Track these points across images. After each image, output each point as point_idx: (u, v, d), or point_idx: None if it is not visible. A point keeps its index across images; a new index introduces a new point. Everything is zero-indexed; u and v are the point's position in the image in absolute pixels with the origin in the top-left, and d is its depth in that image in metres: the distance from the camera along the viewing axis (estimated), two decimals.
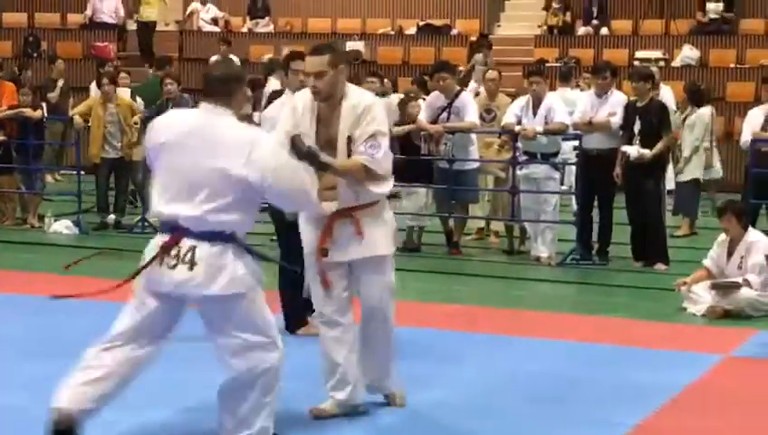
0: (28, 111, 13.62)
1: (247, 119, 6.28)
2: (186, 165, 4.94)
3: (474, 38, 21.27)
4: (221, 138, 4.95)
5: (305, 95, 5.95)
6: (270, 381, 5.09)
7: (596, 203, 11.49)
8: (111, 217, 13.49)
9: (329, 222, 5.85)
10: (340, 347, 6.04)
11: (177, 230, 4.95)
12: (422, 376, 7.03)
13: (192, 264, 4.89)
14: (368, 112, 5.79)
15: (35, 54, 20.94)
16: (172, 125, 5.17)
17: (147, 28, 21.06)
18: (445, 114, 11.81)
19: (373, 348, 6.17)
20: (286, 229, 7.16)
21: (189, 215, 4.91)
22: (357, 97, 5.88)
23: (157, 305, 5.04)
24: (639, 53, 19.63)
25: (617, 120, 11.25)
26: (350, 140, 5.78)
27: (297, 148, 5.42)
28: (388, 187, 6.01)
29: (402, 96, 13.07)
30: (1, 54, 19.94)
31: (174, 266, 4.92)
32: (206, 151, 4.92)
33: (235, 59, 17.55)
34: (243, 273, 4.97)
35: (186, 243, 4.91)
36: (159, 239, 5.02)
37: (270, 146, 5.05)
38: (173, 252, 4.93)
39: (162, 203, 5.02)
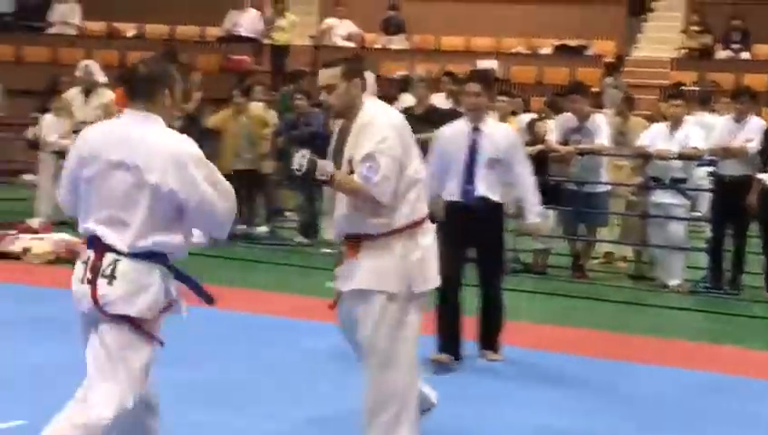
0: None
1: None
2: (111, 179, 4.51)
3: (609, 59, 21.14)
4: (150, 149, 4.50)
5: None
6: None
7: (729, 231, 11.29)
8: (263, 228, 13.70)
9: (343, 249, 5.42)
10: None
11: (101, 247, 4.51)
12: (536, 399, 7.00)
13: (112, 278, 4.46)
14: (366, 129, 5.21)
15: (174, 65, 21.32)
16: (96, 136, 4.67)
17: (280, 50, 21.22)
18: (576, 136, 11.74)
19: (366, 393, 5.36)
20: None
21: (115, 232, 4.49)
22: (365, 111, 5.29)
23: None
24: None
25: (754, 145, 11.02)
26: (350, 161, 5.23)
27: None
28: (392, 221, 5.23)
29: (533, 116, 13.02)
30: None
31: (90, 281, 4.48)
32: (134, 164, 4.47)
33: (368, 74, 17.66)
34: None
35: (109, 257, 4.48)
36: (84, 256, 4.58)
37: (203, 162, 4.54)
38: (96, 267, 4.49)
39: (88, 219, 4.59)
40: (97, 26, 22.89)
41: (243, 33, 22.04)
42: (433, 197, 7.57)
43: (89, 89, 14.34)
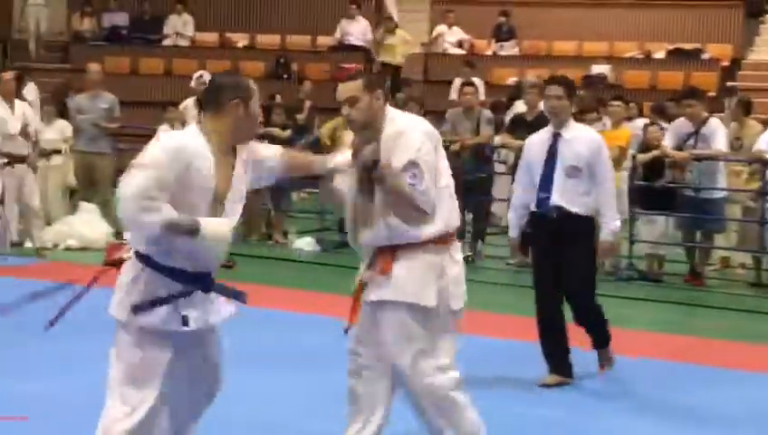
0: (276, 131, 14.03)
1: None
2: None
3: (726, 63, 20.83)
4: None
5: None
6: None
7: None
8: None
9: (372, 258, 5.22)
10: (356, 378, 5.34)
11: None
12: (657, 408, 6.94)
13: None
14: (402, 138, 5.03)
15: (285, 76, 21.58)
16: None
17: (388, 66, 21.07)
18: (692, 141, 11.59)
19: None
20: None
21: None
22: (396, 124, 5.11)
23: None
24: None
25: None
26: None
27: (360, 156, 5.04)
28: (430, 229, 5.07)
29: (646, 121, 12.91)
30: (253, 75, 20.60)
31: None
32: None
33: (478, 81, 17.65)
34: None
35: None
36: None
37: (135, 169, 4.42)
38: None
39: None
40: (209, 37, 23.21)
41: (353, 42, 22.17)
42: (517, 208, 7.55)
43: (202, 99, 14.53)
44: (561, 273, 7.36)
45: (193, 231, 4.40)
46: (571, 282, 7.41)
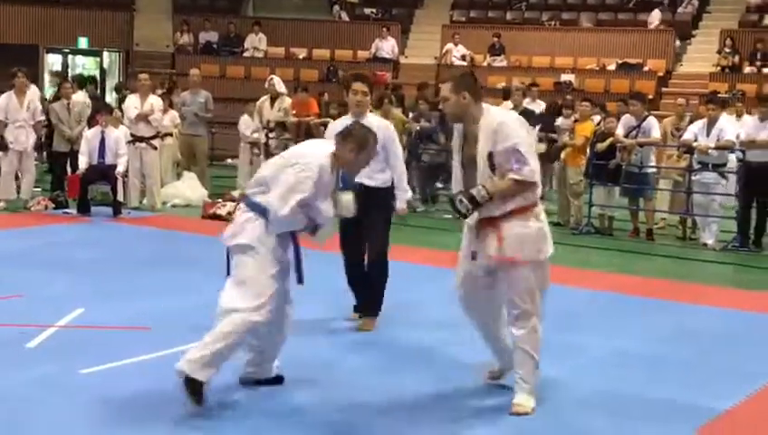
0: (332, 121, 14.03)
1: None
2: None
3: (661, 74, 20.67)
4: None
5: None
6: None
7: (754, 203, 10.99)
8: None
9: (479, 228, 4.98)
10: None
11: None
12: (606, 329, 6.95)
13: None
14: (501, 129, 4.80)
15: (334, 80, 21.57)
16: None
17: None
18: (635, 132, 11.54)
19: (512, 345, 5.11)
20: None
21: None
22: (492, 116, 4.89)
23: None
24: None
25: None
26: (490, 156, 4.82)
27: (460, 208, 4.85)
28: (531, 197, 4.90)
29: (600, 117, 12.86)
30: (309, 79, 20.67)
31: None
32: None
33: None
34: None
35: None
36: None
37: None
38: None
39: None
40: (278, 51, 23.16)
41: (384, 56, 22.12)
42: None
43: (273, 97, 14.55)
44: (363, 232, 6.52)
45: None
46: (370, 238, 6.58)
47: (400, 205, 6.60)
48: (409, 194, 6.82)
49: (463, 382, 5.44)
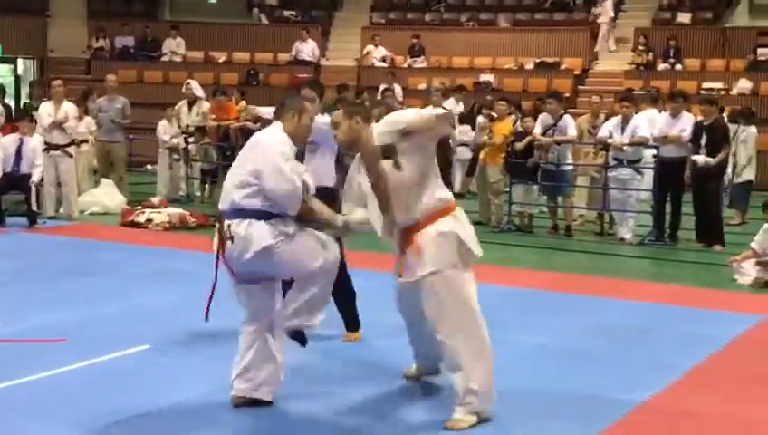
0: (250, 124, 13.91)
1: None
2: None
3: (577, 72, 20.99)
4: None
5: None
6: None
7: (668, 198, 11.23)
8: None
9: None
10: None
11: None
12: (529, 325, 7.02)
13: None
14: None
15: (254, 83, 21.43)
16: None
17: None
18: (551, 130, 11.71)
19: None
20: None
21: None
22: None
23: None
24: (705, 84, 19.12)
25: (687, 135, 10.97)
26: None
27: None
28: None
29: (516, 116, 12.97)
30: (230, 82, 20.49)
31: None
32: None
33: (397, 87, 17.62)
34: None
35: None
36: None
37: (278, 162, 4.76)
38: None
39: None
40: (197, 55, 22.90)
41: (305, 58, 22.05)
42: None
43: (191, 101, 14.40)
44: None
45: None
46: None
47: None
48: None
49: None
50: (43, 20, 23.41)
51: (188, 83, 14.67)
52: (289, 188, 4.65)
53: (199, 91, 14.54)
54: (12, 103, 17.28)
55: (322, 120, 5.83)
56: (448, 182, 12.65)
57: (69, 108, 12.47)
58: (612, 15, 21.51)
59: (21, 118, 12.43)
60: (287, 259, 4.73)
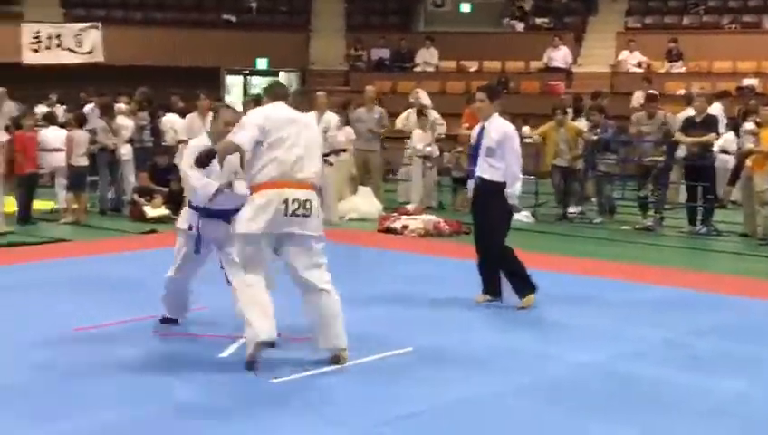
0: None
1: None
2: None
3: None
4: None
5: None
6: None
7: None
8: (576, 208, 13.44)
9: None
10: None
11: None
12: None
13: None
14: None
15: (505, 91, 21.46)
16: None
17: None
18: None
19: None
20: None
21: None
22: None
23: None
24: None
25: None
26: None
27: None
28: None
29: None
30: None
31: None
32: None
33: (422, 91, 17.00)
34: None
35: None
36: None
37: None
38: None
39: None
40: (450, 64, 23.28)
41: (557, 65, 21.86)
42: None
43: (419, 110, 14.67)
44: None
45: None
46: (484, 226, 7.47)
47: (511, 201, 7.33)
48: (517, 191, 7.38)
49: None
50: (305, 34, 24.68)
51: (417, 92, 14.94)
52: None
53: (427, 100, 14.77)
54: None
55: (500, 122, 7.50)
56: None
57: (331, 118, 13.05)
58: None
59: None
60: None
